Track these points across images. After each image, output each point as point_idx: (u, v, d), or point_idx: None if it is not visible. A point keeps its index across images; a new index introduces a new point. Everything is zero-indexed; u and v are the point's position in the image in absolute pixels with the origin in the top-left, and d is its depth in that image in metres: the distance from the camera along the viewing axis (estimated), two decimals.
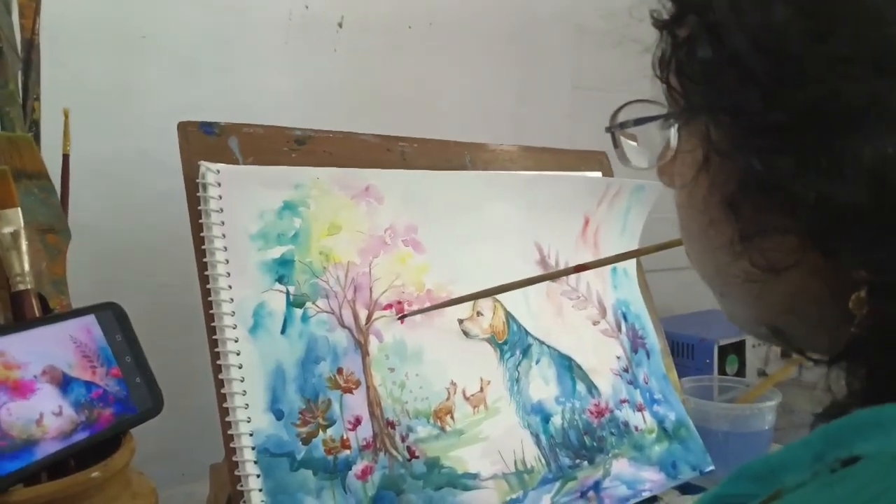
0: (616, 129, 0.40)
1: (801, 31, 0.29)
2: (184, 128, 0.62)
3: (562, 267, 0.81)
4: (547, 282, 0.80)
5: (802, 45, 0.29)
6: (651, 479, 0.77)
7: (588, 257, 0.83)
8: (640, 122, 0.38)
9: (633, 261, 0.91)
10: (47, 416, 0.47)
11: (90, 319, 0.53)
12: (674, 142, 0.37)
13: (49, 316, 0.54)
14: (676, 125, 0.36)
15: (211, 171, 0.60)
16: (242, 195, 0.61)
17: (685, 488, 0.80)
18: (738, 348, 1.14)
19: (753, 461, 0.32)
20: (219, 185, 0.60)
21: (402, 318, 0.68)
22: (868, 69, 0.28)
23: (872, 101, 0.28)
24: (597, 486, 0.72)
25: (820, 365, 0.34)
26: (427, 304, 0.69)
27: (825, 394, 0.33)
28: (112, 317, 0.54)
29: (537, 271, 0.80)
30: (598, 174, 0.92)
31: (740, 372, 1.14)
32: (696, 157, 0.35)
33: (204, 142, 0.62)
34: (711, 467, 0.82)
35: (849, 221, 0.29)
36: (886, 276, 0.29)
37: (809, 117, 0.29)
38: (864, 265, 0.30)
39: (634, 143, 0.40)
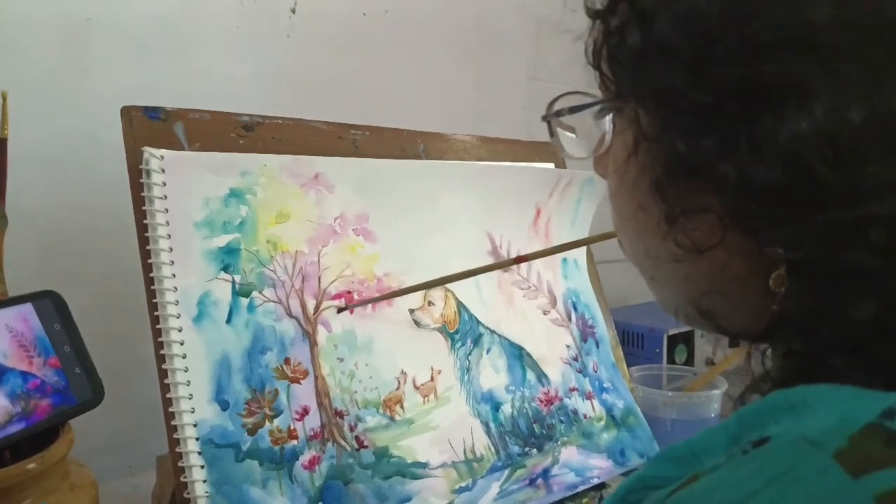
0: (552, 118, 0.41)
1: (723, 15, 0.30)
2: (128, 112, 0.61)
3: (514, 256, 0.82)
4: (498, 271, 0.81)
5: (725, 28, 0.30)
6: (599, 466, 0.78)
7: (539, 247, 0.84)
8: (574, 109, 0.39)
9: (584, 251, 0.92)
10: None
11: (27, 308, 0.52)
12: (608, 132, 0.38)
13: None
14: (610, 114, 0.37)
15: (154, 156, 0.58)
16: (187, 182, 0.60)
17: None
18: (688, 338, 1.16)
19: (675, 444, 0.33)
20: (162, 171, 0.59)
21: (348, 309, 0.67)
22: (786, 51, 0.29)
23: (789, 82, 0.29)
24: (545, 473, 0.73)
25: (744, 346, 0.35)
26: (377, 294, 0.69)
27: (750, 377, 0.33)
28: (51, 305, 0.53)
29: (489, 261, 0.80)
30: (552, 165, 0.92)
31: (689, 361, 1.16)
32: (627, 144, 0.36)
33: (149, 127, 0.61)
34: None
35: (765, 199, 0.30)
36: (802, 253, 0.30)
37: (731, 98, 0.30)
38: (780, 243, 0.31)
39: (572, 136, 0.41)
